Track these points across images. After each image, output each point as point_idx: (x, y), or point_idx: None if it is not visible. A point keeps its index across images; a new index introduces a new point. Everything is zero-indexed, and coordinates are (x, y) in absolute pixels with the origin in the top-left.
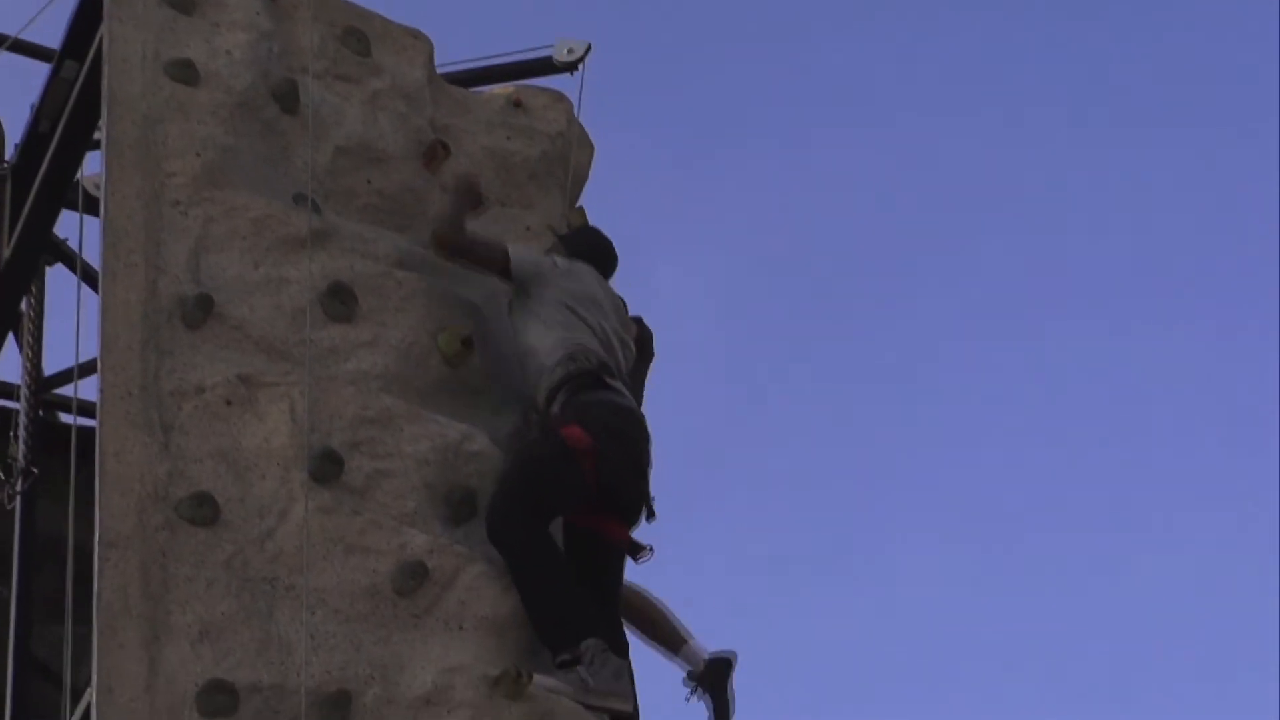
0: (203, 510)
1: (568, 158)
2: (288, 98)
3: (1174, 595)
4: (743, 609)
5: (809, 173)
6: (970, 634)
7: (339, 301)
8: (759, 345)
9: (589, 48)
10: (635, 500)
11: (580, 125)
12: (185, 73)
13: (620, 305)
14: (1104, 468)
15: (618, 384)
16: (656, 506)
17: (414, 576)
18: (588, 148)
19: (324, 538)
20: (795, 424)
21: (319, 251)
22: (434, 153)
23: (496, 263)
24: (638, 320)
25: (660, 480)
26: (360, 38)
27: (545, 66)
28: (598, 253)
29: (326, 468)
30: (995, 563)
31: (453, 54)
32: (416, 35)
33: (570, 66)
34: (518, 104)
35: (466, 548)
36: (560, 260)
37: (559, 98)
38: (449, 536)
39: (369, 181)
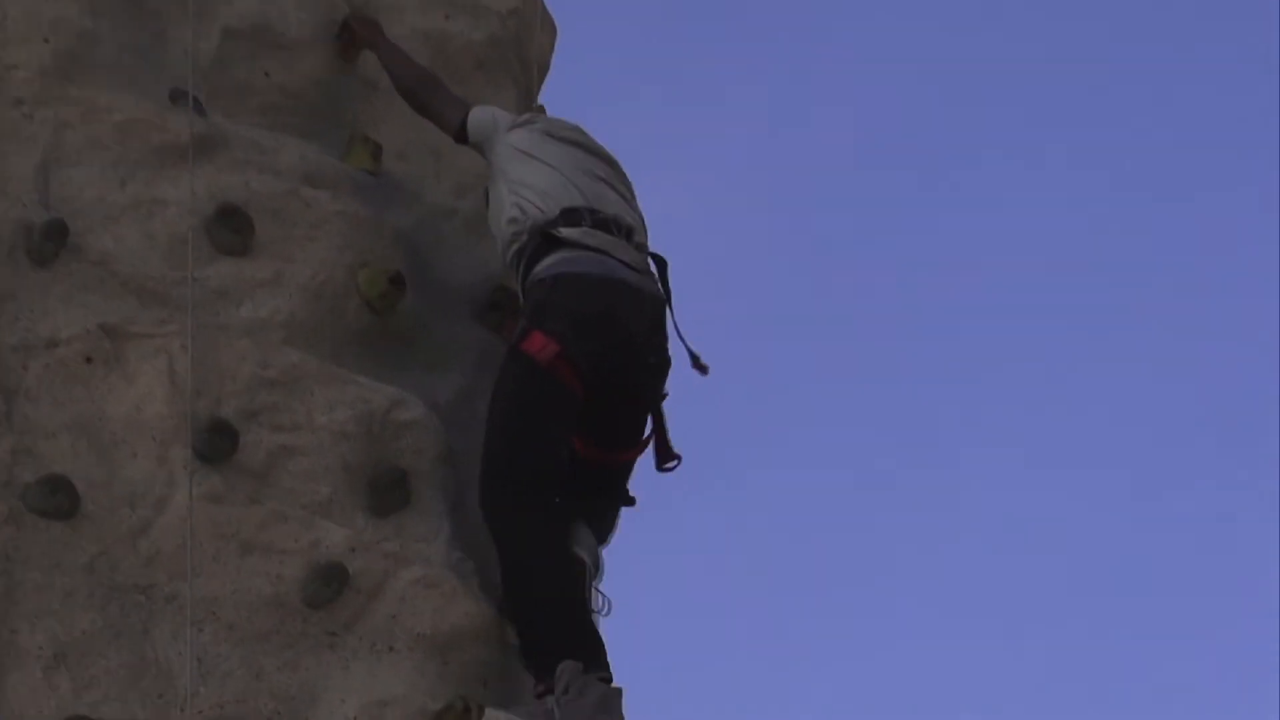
0: (57, 499)
1: (523, 41)
2: None
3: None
4: None
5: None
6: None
7: (230, 229)
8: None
9: None
10: (646, 387)
11: (542, 3)
12: None
13: (622, 174)
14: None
15: (596, 237)
16: (703, 358)
17: (330, 583)
18: (549, 29)
19: (213, 533)
20: None
21: (204, 164)
22: (351, 35)
23: (453, 122)
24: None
25: None
26: None
27: None
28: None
29: (216, 443)
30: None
31: None
32: None
33: None
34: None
35: (398, 545)
36: (536, 117)
37: None
38: (375, 531)
39: (267, 74)
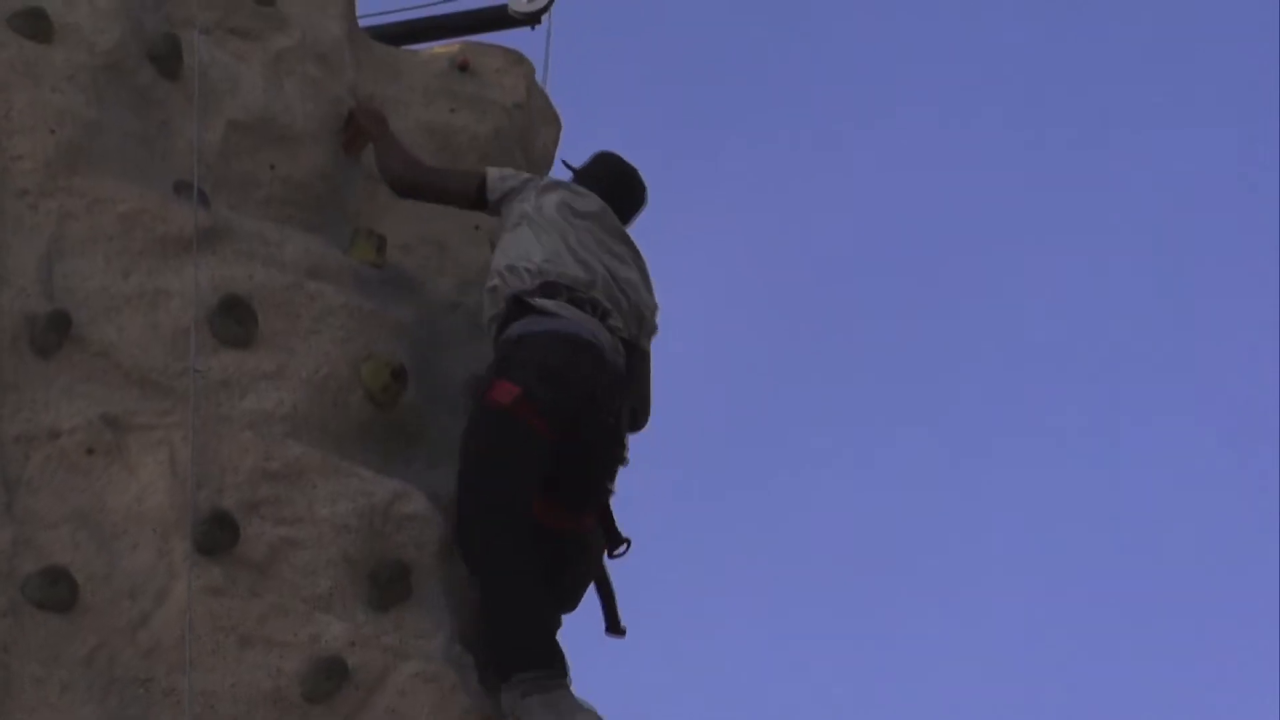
0: (57, 591)
1: (528, 134)
2: (168, 58)
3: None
4: None
5: (840, 168)
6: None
7: (234, 321)
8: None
9: None
10: (606, 441)
11: (544, 95)
12: (35, 25)
13: (637, 255)
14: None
15: (567, 308)
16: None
17: (330, 677)
18: (553, 123)
19: (213, 626)
20: None
21: (208, 256)
22: (356, 128)
23: (469, 189)
24: None
25: None
26: None
27: (500, 18)
28: (615, 183)
29: (216, 536)
30: None
31: (382, 1)
32: None
33: (532, 18)
34: (464, 67)
35: (398, 639)
36: (542, 181)
37: (517, 59)
38: (375, 625)
39: (272, 166)
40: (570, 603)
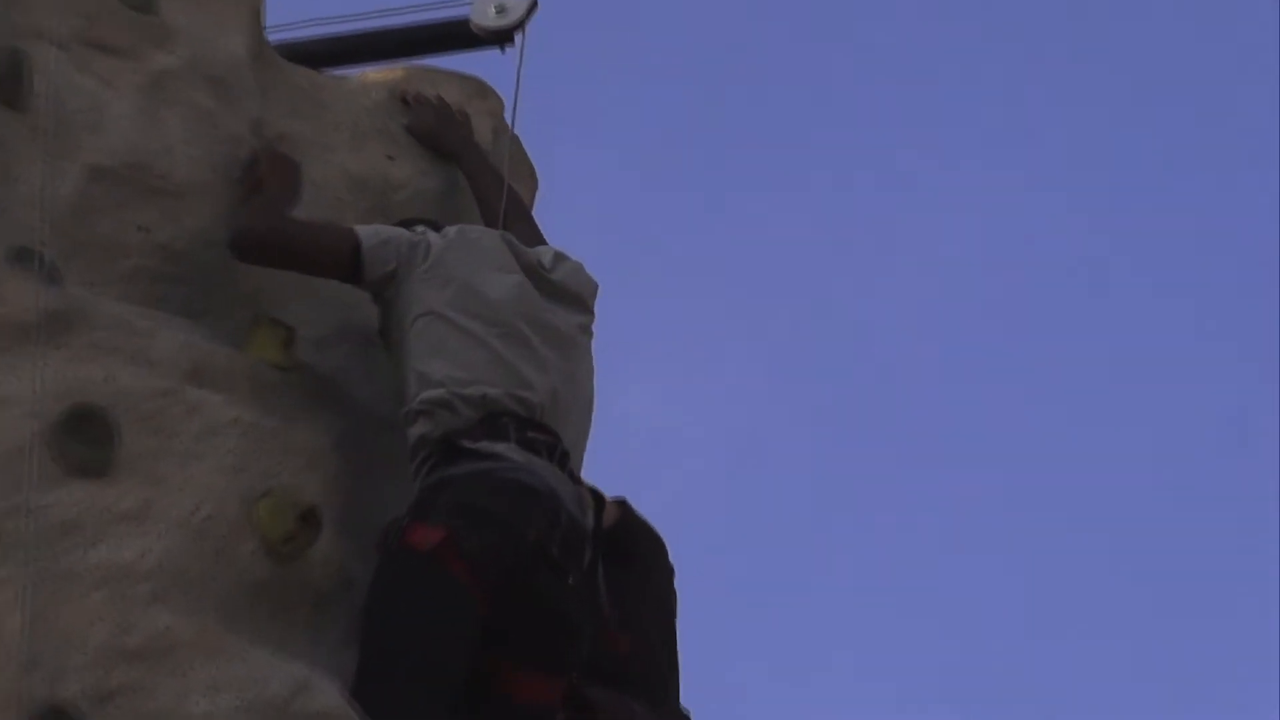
0: None
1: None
2: (9, 80)
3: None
4: None
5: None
6: None
7: (84, 440)
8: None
9: (534, 5)
10: (571, 607)
11: (516, 140)
12: None
13: (556, 262)
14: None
15: (518, 451)
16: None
17: None
18: (527, 178)
19: None
20: None
21: (53, 350)
22: (258, 180)
23: (340, 255)
24: (620, 504)
25: None
26: None
27: (459, 34)
28: None
29: None
30: None
31: (298, 9)
32: None
33: (502, 37)
34: (409, 100)
35: None
36: (437, 236)
37: (480, 91)
38: None
39: (143, 229)
40: None
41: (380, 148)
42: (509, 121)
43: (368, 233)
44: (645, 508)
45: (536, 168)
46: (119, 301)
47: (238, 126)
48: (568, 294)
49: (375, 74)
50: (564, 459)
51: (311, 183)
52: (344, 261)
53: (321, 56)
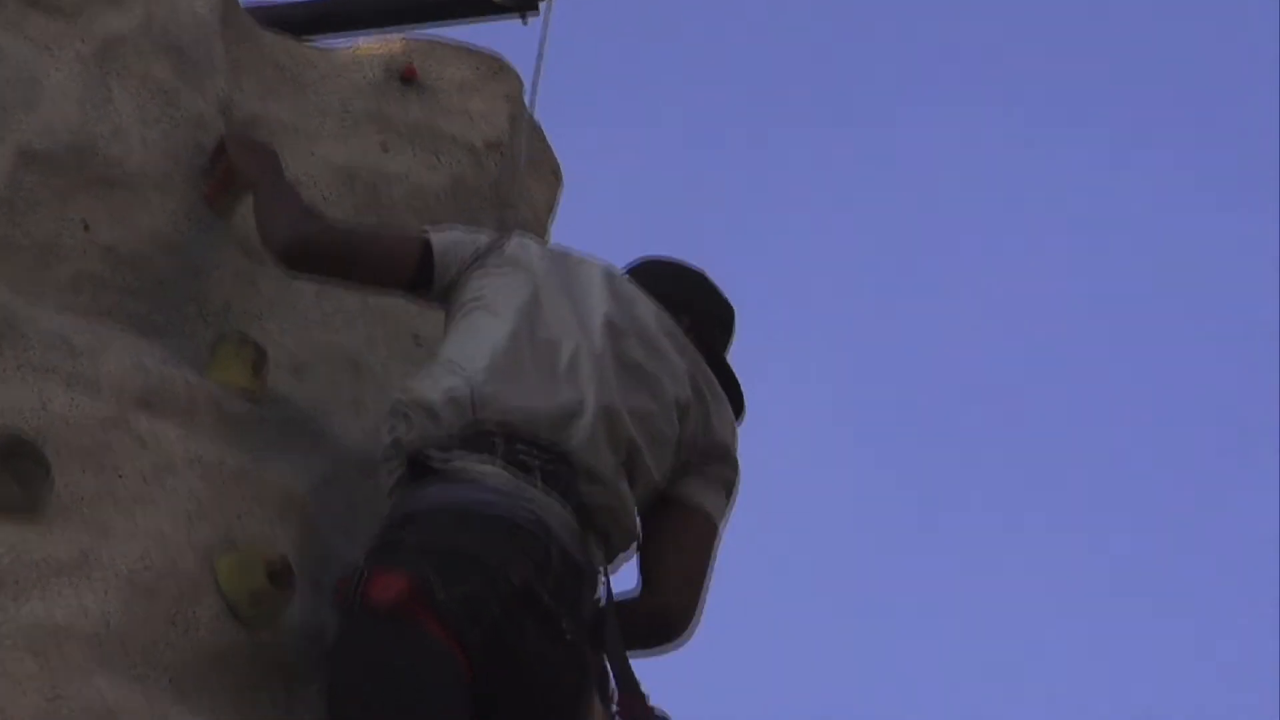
0: None
1: (505, 189)
2: None
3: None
4: None
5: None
6: None
7: (11, 476)
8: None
9: None
10: (542, 652)
11: (538, 129)
12: None
13: (662, 320)
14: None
15: (500, 478)
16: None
17: None
18: (549, 175)
19: None
20: None
21: None
22: (226, 167)
23: (405, 261)
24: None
25: None
26: None
27: (471, 2)
28: (700, 319)
29: None
30: None
31: None
32: None
33: (523, 4)
34: (409, 79)
35: None
36: (515, 242)
37: (496, 70)
38: None
39: (86, 226)
40: None
41: (374, 134)
42: (529, 104)
43: (437, 236)
44: None
45: (560, 162)
46: (57, 313)
47: (202, 106)
48: (645, 327)
49: (369, 45)
50: (568, 484)
51: (294, 174)
52: (412, 265)
53: (306, 23)
